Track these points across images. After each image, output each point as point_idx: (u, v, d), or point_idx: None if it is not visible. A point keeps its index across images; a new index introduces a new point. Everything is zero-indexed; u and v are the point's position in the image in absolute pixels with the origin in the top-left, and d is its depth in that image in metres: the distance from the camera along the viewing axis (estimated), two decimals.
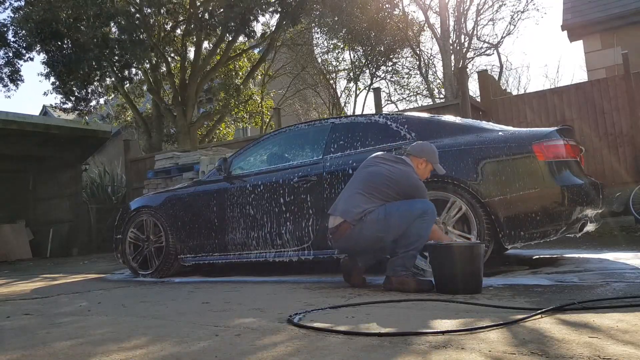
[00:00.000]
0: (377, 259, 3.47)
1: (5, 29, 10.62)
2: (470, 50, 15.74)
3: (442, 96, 15.71)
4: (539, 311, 2.18)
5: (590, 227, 3.68)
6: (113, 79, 11.43)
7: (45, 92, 21.59)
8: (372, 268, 4.02)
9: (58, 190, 11.26)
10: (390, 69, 16.30)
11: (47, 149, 10.66)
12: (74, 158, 11.13)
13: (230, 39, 11.51)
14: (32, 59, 11.16)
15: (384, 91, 16.98)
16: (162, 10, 10.71)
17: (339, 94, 17.54)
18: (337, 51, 16.59)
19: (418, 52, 15.62)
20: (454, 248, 2.94)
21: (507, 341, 1.79)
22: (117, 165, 12.94)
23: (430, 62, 17.02)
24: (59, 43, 10.26)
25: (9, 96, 32.51)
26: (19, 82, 10.97)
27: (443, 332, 1.93)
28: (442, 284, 2.93)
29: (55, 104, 11.62)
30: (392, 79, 17.18)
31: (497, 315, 2.21)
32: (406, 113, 4.99)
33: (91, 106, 11.87)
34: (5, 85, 10.87)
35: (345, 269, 3.44)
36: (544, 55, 38.74)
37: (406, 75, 17.10)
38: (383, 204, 3.19)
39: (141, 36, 9.97)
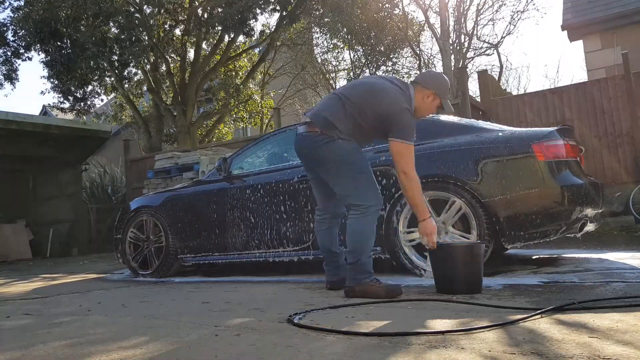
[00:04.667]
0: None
1: (5, 29, 10.64)
2: (470, 50, 15.74)
3: None
4: (539, 311, 2.18)
5: (590, 227, 3.68)
6: (113, 78, 11.44)
7: (42, 92, 21.53)
8: (373, 266, 4.02)
9: (58, 190, 11.25)
10: (390, 69, 16.28)
11: (47, 149, 10.65)
12: (74, 158, 11.13)
13: (230, 38, 11.51)
14: (30, 59, 11.20)
15: None
16: (161, 10, 10.72)
17: None
18: (337, 51, 16.59)
19: (418, 52, 15.61)
20: (455, 248, 2.94)
21: (507, 341, 1.79)
22: (117, 165, 12.93)
23: (430, 62, 17.02)
24: (58, 43, 10.28)
25: (4, 94, 32.75)
26: (15, 81, 11.00)
27: (443, 332, 1.93)
28: (443, 284, 2.92)
29: (54, 103, 11.64)
30: None
31: (496, 315, 2.21)
32: None
33: (90, 106, 11.89)
34: (1, 84, 10.90)
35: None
36: (544, 55, 38.76)
37: (406, 75, 17.10)
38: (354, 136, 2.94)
39: (140, 35, 9.98)
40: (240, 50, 13.21)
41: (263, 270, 4.73)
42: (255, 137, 8.19)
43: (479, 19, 15.45)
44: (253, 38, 11.45)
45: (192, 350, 1.91)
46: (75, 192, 11.10)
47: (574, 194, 3.41)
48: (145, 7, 10.20)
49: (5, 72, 10.82)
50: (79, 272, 6.21)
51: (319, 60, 17.20)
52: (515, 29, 30.72)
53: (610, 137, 6.84)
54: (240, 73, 13.61)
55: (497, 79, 15.07)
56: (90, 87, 11.60)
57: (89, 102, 11.82)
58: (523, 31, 40.17)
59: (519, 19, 16.64)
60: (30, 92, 49.63)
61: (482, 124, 3.98)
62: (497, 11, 15.64)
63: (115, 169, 12.80)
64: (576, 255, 4.22)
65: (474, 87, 15.17)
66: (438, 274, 2.96)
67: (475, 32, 15.57)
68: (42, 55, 10.65)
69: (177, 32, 11.99)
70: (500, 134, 3.63)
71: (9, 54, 10.81)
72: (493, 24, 22.77)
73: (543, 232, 3.36)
